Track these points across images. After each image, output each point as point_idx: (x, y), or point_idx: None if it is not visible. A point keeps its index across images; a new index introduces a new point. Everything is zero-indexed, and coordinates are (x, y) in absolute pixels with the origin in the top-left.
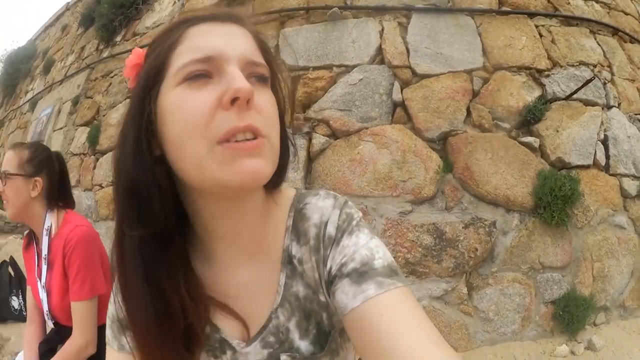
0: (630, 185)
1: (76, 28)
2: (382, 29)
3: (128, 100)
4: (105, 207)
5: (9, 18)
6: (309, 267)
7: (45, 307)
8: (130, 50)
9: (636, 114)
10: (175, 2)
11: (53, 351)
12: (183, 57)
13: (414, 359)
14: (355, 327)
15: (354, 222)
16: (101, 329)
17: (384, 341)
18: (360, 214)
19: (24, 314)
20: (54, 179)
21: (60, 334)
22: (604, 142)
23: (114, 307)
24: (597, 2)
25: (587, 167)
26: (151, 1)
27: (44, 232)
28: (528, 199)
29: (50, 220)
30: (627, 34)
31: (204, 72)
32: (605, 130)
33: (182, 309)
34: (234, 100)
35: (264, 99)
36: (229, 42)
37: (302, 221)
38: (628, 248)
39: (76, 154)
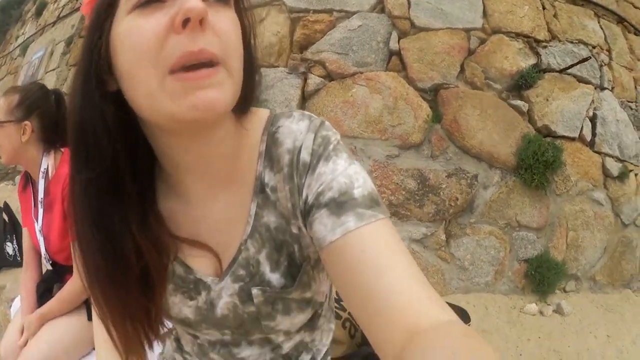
0: (613, 166)
1: None
2: None
3: None
4: None
5: None
6: (282, 195)
7: (43, 250)
8: None
9: (629, 101)
10: None
11: (50, 291)
12: None
13: (395, 294)
14: (334, 261)
15: (331, 147)
16: None
17: (364, 276)
18: (338, 136)
19: (19, 259)
20: (47, 120)
21: (58, 273)
22: (592, 119)
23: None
24: None
25: (572, 139)
26: None
27: (40, 175)
28: (511, 159)
29: (47, 162)
30: (632, 25)
31: None
32: (595, 109)
33: (136, 253)
34: (186, 22)
35: (223, 20)
36: None
37: (275, 146)
38: (604, 224)
39: (68, 94)
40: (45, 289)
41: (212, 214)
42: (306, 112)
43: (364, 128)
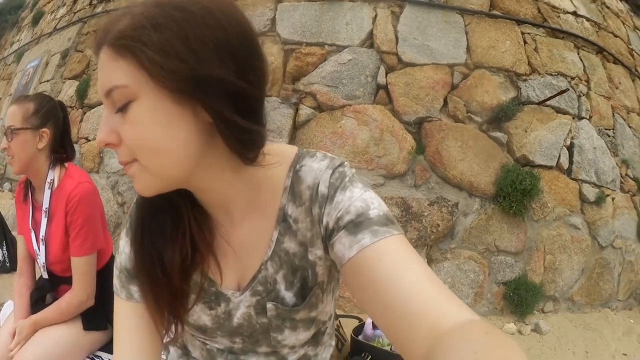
0: (590, 192)
1: None
2: (376, 16)
3: None
4: (91, 160)
5: None
6: (303, 226)
7: (42, 260)
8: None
9: (606, 129)
10: None
11: (43, 299)
12: None
13: (415, 297)
14: (353, 276)
15: (347, 179)
16: (98, 275)
17: (383, 284)
18: (354, 171)
19: (8, 265)
20: (59, 130)
21: (52, 283)
22: (570, 148)
23: (122, 258)
24: (587, 20)
25: (549, 167)
26: None
27: (46, 186)
28: (490, 187)
29: (54, 174)
30: (611, 55)
31: None
32: (572, 138)
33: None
34: None
35: (127, 130)
36: (98, 80)
37: (298, 183)
38: (581, 247)
39: None
40: (38, 297)
41: (237, 237)
42: (328, 154)
43: (351, 158)
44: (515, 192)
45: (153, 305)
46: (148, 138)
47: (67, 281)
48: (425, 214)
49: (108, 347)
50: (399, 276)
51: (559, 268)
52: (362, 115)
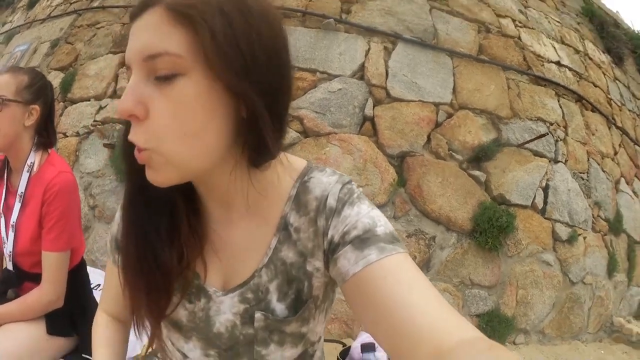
0: (563, 231)
1: None
2: (369, 49)
3: (110, 55)
4: (66, 157)
5: None
6: (305, 236)
7: (10, 248)
8: (122, 6)
9: (580, 172)
10: None
11: (4, 294)
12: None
13: (419, 315)
14: (356, 292)
15: (355, 195)
16: (74, 272)
17: (388, 302)
18: (361, 190)
19: None
20: (47, 110)
21: (17, 277)
22: (545, 189)
23: (114, 228)
24: (569, 70)
25: (525, 207)
26: None
27: (25, 168)
28: (467, 223)
29: (34, 157)
30: (590, 103)
31: None
32: (548, 180)
33: (175, 258)
34: None
35: (159, 105)
36: (131, 42)
37: (305, 193)
38: (552, 283)
39: None
40: (1, 291)
41: (232, 238)
42: (337, 171)
43: None
44: (491, 229)
45: (137, 302)
46: (187, 120)
47: (34, 278)
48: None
49: (72, 356)
50: (404, 295)
51: (530, 302)
52: (347, 144)
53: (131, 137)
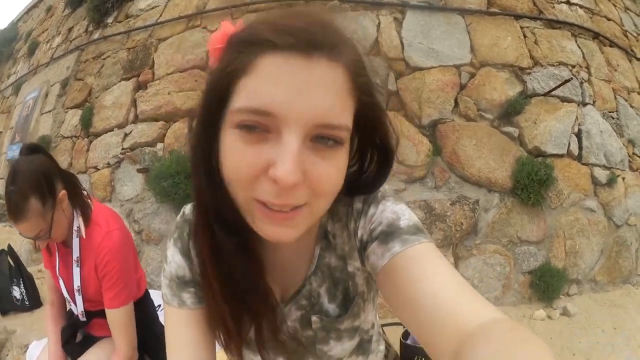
0: (601, 174)
1: (62, 9)
2: (379, 23)
3: (123, 81)
4: (102, 189)
5: None
6: (341, 241)
7: (80, 308)
8: (123, 32)
9: (610, 112)
10: None
11: (74, 336)
12: (243, 97)
13: (443, 299)
14: (386, 283)
15: (379, 194)
16: (140, 304)
17: (411, 288)
18: (387, 187)
19: (27, 303)
20: (63, 177)
21: (86, 317)
22: (578, 135)
23: (172, 267)
24: (580, 7)
25: (561, 156)
26: None
27: (74, 234)
28: (507, 181)
29: (78, 220)
30: (607, 39)
31: (260, 125)
32: (579, 125)
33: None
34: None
35: (323, 170)
36: (300, 94)
37: (336, 202)
38: (598, 229)
39: (67, 137)
40: (70, 335)
41: (281, 253)
42: None
43: None
44: (532, 183)
45: (229, 326)
46: (338, 184)
47: (100, 314)
48: (449, 213)
49: None
50: (427, 281)
51: (579, 251)
52: None
53: (288, 201)
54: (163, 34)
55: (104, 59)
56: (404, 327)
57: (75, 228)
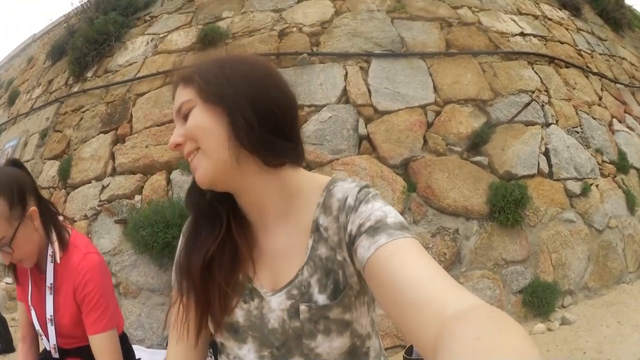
0: (574, 186)
1: (43, 60)
2: (346, 73)
3: (102, 134)
4: None
5: None
6: (332, 232)
7: (53, 342)
8: (102, 86)
9: (574, 127)
10: (148, 43)
11: None
12: None
13: (424, 285)
14: (371, 274)
15: (370, 195)
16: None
17: (393, 276)
18: (378, 192)
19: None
20: (37, 196)
21: (59, 355)
22: (546, 153)
23: (177, 256)
24: (534, 37)
25: (532, 176)
26: (124, 39)
27: (49, 259)
28: (484, 207)
29: (53, 246)
30: (562, 61)
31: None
32: (546, 144)
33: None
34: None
35: (188, 126)
36: (174, 106)
37: (330, 197)
38: (580, 237)
39: (45, 187)
40: None
41: (272, 243)
42: (357, 180)
43: None
44: (508, 205)
45: (198, 303)
46: (202, 122)
47: (75, 353)
48: (430, 245)
49: None
50: (409, 269)
51: (566, 263)
52: (351, 167)
53: (185, 152)
54: (141, 89)
55: (83, 111)
56: (404, 347)
57: (49, 253)
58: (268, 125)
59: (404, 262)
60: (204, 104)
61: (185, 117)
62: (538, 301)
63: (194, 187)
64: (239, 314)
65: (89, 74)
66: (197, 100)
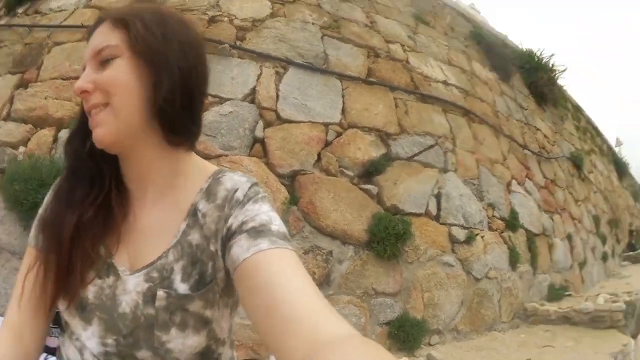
0: (459, 233)
1: None
2: (260, 74)
3: (9, 74)
4: None
5: None
6: (210, 220)
7: None
8: (27, 25)
9: (471, 179)
10: None
11: None
12: None
13: (298, 304)
14: (244, 276)
15: (260, 195)
16: None
17: (269, 286)
18: (267, 195)
19: None
20: None
21: None
22: (438, 197)
23: (42, 208)
24: (456, 88)
25: (419, 215)
26: None
27: None
28: (363, 235)
29: None
30: (477, 116)
31: None
32: (439, 188)
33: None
34: None
35: (105, 76)
36: (90, 44)
37: (216, 185)
38: (457, 282)
39: None
40: None
41: (146, 221)
42: (246, 175)
43: None
44: (388, 237)
45: (59, 268)
46: (123, 77)
47: None
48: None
49: None
50: (286, 281)
51: (438, 303)
52: (237, 166)
53: (88, 104)
54: (61, 38)
55: (1, 47)
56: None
57: None
58: (184, 101)
59: (284, 274)
60: (132, 57)
61: (103, 64)
62: (404, 335)
63: (76, 135)
64: (91, 290)
65: (20, 10)
66: (125, 49)
